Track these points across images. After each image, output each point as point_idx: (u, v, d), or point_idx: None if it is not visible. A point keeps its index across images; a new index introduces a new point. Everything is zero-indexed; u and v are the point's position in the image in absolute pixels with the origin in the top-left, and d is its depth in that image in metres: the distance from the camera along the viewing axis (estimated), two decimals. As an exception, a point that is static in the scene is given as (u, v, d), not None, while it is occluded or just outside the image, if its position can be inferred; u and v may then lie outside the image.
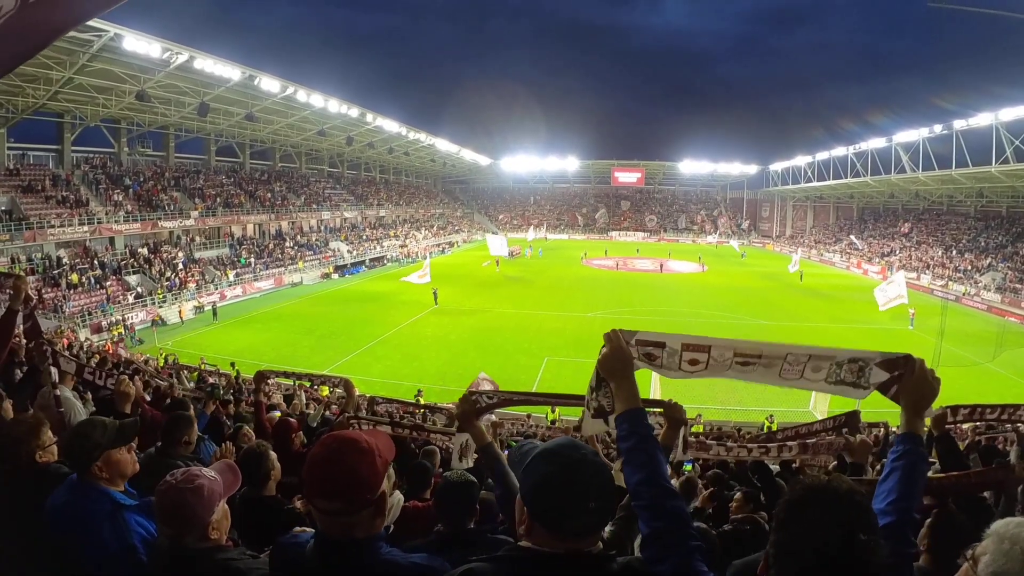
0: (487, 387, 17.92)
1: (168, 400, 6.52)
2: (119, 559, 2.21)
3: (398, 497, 3.62)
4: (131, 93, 32.72)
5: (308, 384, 18.05)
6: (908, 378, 1.82)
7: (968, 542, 2.61)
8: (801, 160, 76.65)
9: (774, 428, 16.65)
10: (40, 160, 36.02)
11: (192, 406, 4.96)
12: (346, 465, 1.62)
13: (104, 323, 28.81)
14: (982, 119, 42.61)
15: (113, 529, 2.28)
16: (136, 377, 6.82)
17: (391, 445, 1.83)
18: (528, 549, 1.49)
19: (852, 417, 4.08)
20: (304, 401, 11.54)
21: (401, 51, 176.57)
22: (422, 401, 17.70)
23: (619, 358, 1.84)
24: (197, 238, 42.07)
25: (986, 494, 3.77)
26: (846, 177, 66.23)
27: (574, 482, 1.44)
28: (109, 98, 33.74)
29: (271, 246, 47.38)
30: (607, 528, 2.25)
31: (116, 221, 34.90)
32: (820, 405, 20.81)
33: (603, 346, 1.88)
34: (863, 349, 1.92)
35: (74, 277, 30.32)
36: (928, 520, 2.68)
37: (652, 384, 21.28)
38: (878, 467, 6.78)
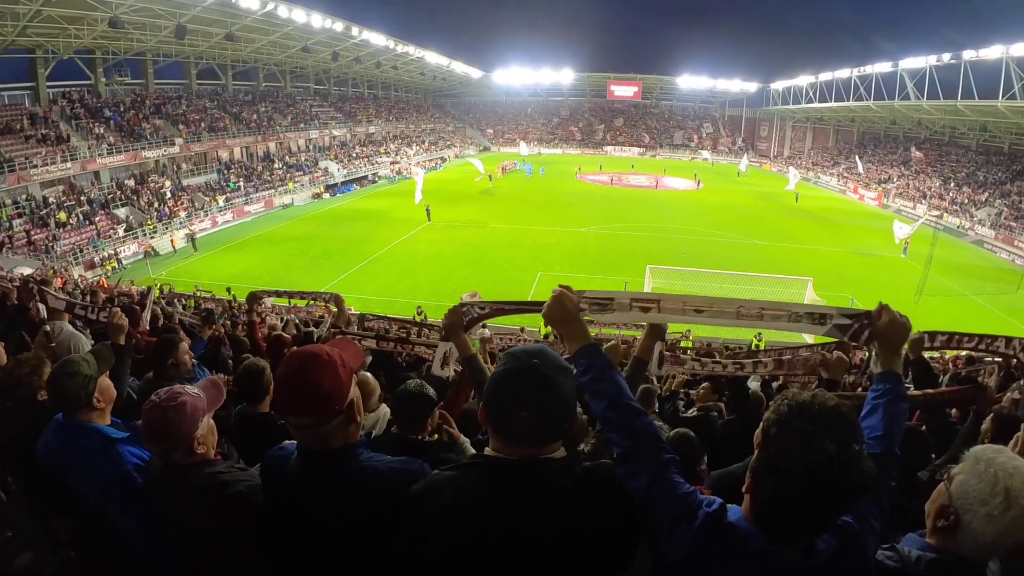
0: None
1: (162, 327, 6.57)
2: (118, 489, 2.31)
3: (384, 410, 3.59)
4: (103, 20, 30.98)
5: (304, 303, 18.40)
6: (878, 321, 1.85)
7: (929, 456, 2.87)
8: (803, 80, 73.90)
9: (762, 346, 16.77)
10: (15, 99, 34.33)
11: (180, 331, 5.00)
12: (309, 379, 1.64)
13: (96, 259, 28.71)
14: (993, 52, 40.99)
15: (109, 462, 2.36)
16: (145, 305, 6.79)
17: (357, 353, 1.86)
18: (489, 456, 1.55)
19: (843, 346, 3.99)
20: (297, 321, 11.73)
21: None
22: (423, 318, 17.85)
23: (563, 305, 1.84)
24: (183, 165, 41.13)
25: (953, 420, 4.02)
26: (848, 100, 64.22)
27: (511, 387, 1.48)
28: (81, 28, 31.92)
29: (259, 168, 46.47)
30: (589, 442, 2.49)
31: (99, 155, 33.82)
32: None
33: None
34: (820, 306, 1.98)
35: (62, 216, 29.81)
36: None
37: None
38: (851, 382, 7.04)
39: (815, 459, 1.27)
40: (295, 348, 1.86)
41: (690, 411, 5.33)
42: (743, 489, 1.45)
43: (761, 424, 1.42)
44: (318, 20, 43.00)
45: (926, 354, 5.08)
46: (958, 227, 43.98)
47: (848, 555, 1.44)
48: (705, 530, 1.40)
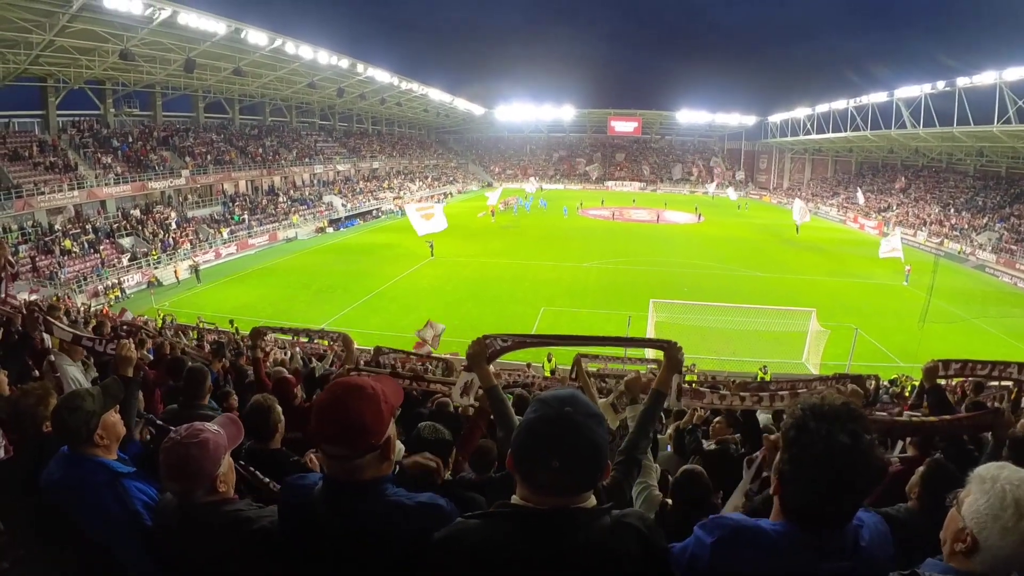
0: (431, 333, 17.98)
1: (169, 358, 6.41)
2: (124, 527, 2.22)
3: (399, 448, 3.53)
4: (114, 52, 31.82)
5: (306, 340, 18.35)
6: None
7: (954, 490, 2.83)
8: (800, 112, 75.29)
9: (767, 378, 16.81)
10: (25, 126, 35.11)
11: (189, 363, 4.89)
12: (352, 411, 1.63)
13: (100, 287, 28.84)
14: (986, 77, 41.76)
15: (115, 498, 2.27)
16: (137, 335, 6.71)
17: (398, 390, 1.85)
18: (516, 505, 1.51)
19: (858, 378, 4.13)
20: (300, 357, 11.68)
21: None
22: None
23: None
24: (189, 197, 41.67)
25: (971, 447, 3.92)
26: (845, 130, 65.23)
27: (543, 436, 1.44)
28: (92, 59, 32.74)
29: (264, 202, 47.02)
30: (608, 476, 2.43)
31: (106, 184, 34.40)
32: (812, 357, 21.33)
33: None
34: None
35: (67, 243, 30.12)
36: (920, 469, 2.87)
37: (648, 326, 21.68)
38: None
39: (832, 452, 1.38)
40: (339, 378, 1.85)
41: (707, 443, 5.46)
42: (771, 491, 1.55)
43: (781, 430, 1.53)
44: (324, 57, 43.99)
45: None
46: (959, 252, 44.00)
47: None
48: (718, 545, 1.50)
